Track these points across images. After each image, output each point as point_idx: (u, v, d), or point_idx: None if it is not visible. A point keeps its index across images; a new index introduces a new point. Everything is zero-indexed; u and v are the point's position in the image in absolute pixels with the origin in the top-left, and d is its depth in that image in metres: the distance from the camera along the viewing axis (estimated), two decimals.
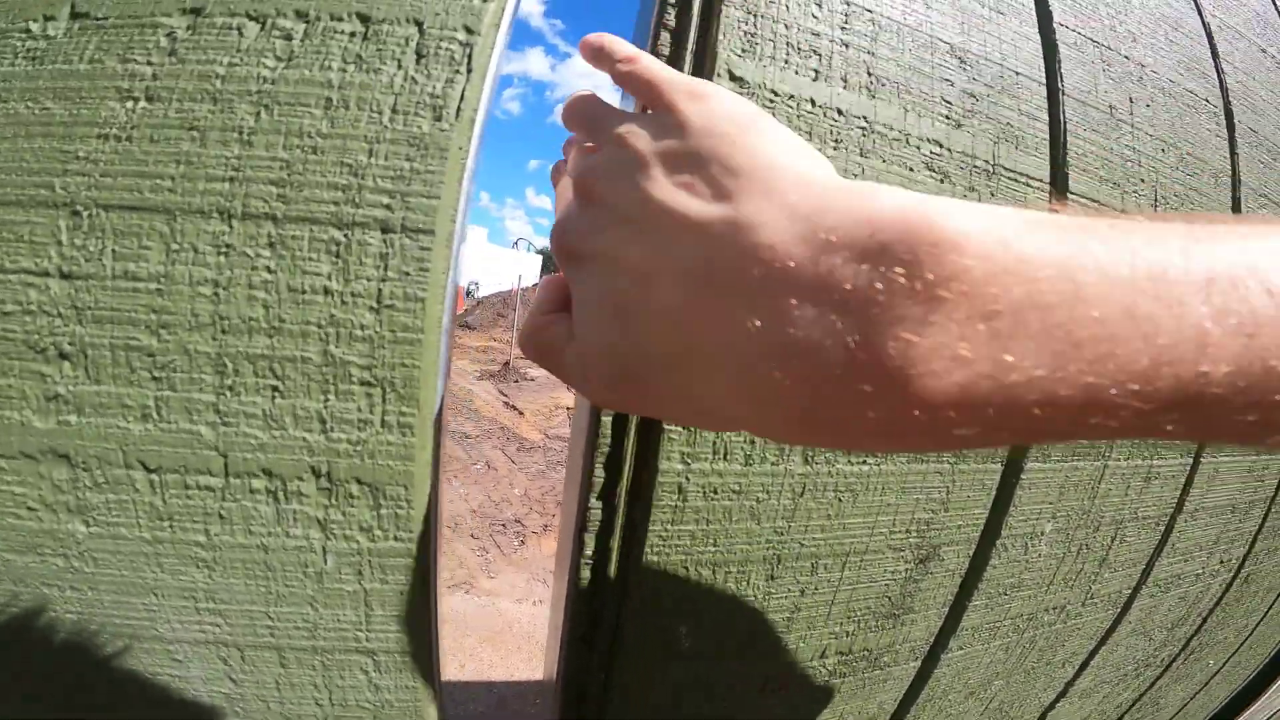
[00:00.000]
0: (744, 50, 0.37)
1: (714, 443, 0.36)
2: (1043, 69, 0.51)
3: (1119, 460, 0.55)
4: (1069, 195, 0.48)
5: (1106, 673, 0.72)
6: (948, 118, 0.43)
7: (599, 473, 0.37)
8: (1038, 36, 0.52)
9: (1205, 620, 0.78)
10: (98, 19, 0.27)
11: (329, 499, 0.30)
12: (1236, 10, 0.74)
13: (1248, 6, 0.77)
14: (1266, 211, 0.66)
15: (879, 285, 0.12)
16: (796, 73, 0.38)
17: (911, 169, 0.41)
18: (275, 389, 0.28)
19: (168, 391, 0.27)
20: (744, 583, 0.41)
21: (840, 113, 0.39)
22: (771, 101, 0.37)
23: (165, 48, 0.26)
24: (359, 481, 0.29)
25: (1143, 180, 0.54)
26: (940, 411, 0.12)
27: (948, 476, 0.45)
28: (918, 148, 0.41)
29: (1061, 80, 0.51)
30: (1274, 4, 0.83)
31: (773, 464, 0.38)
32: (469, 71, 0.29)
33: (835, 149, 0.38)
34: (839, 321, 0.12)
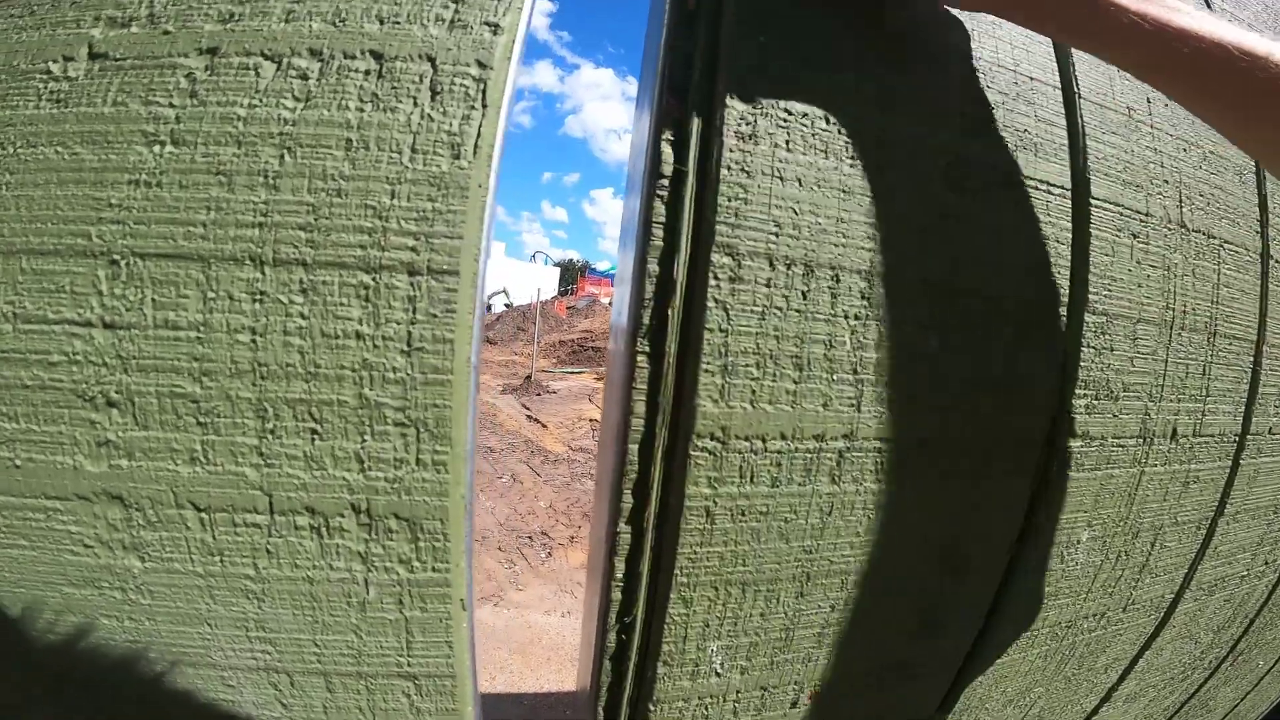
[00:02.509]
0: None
1: (739, 467, 0.35)
2: (1056, 72, 0.48)
3: (1155, 466, 0.52)
4: (1092, 201, 0.46)
5: (1152, 677, 0.68)
6: (962, 128, 0.41)
7: (627, 498, 0.36)
8: (1048, 39, 0.50)
9: (1252, 622, 0.74)
10: (116, 59, 0.27)
11: (369, 534, 0.29)
12: (1246, 3, 0.69)
13: None
14: None
15: None
16: None
17: (926, 179, 0.39)
18: (314, 431, 0.27)
19: (213, 436, 0.27)
20: (774, 600, 0.40)
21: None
22: (785, 121, 0.35)
23: (185, 89, 0.26)
24: (397, 517, 0.29)
25: (1166, 181, 0.50)
26: None
27: (974, 492, 0.43)
28: (934, 160, 0.39)
29: (1077, 83, 0.49)
30: None
31: (799, 485, 0.37)
32: (484, 107, 0.29)
33: (853, 165, 0.36)
34: None
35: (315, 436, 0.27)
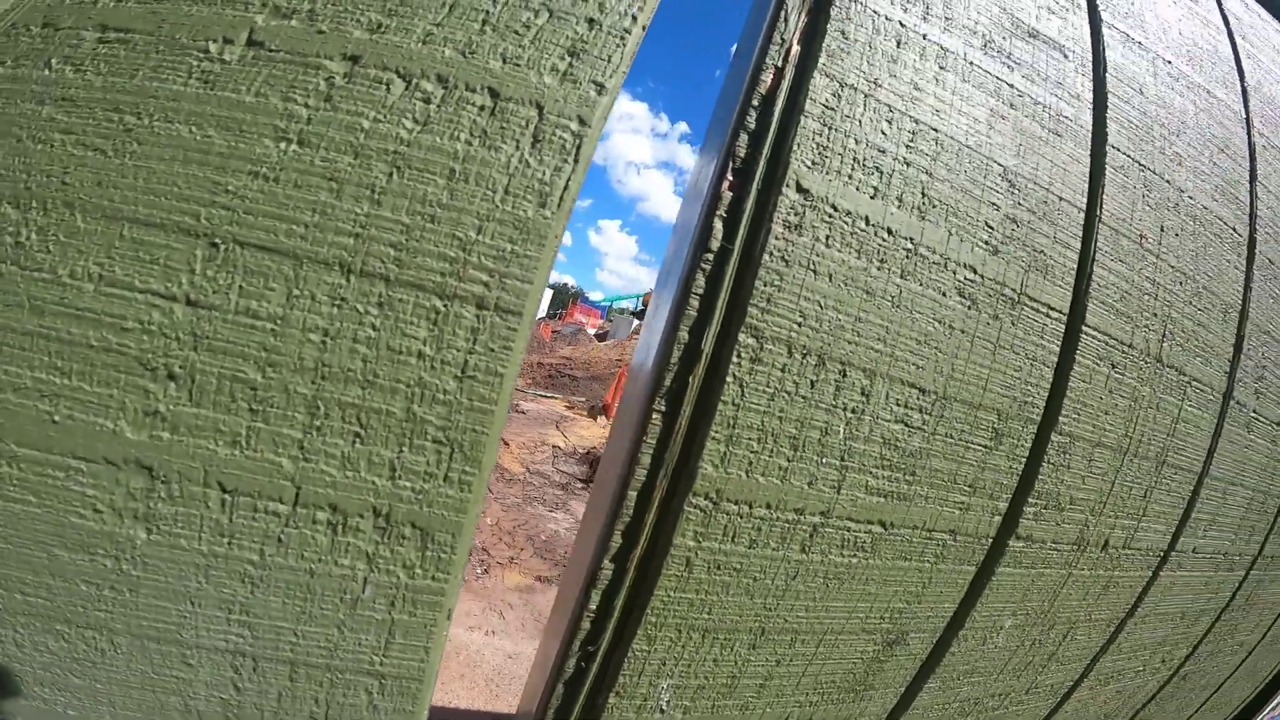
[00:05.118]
0: (814, 163, 0.47)
1: (724, 526, 0.46)
2: (1085, 194, 0.64)
3: (1083, 570, 0.69)
4: (1083, 328, 0.60)
5: None
6: (987, 243, 0.55)
7: (616, 538, 0.46)
8: (1088, 159, 0.65)
9: (1137, 714, 0.96)
10: (270, 50, 0.34)
11: (382, 537, 0.38)
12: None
13: None
14: (1263, 352, 0.80)
15: None
16: (858, 189, 0.48)
17: (944, 293, 0.51)
18: (357, 435, 0.36)
19: (260, 424, 0.35)
20: (728, 649, 0.52)
21: (890, 233, 0.49)
22: (830, 216, 0.47)
23: (323, 92, 0.34)
24: (413, 525, 0.38)
25: (1154, 314, 0.67)
26: None
27: (927, 573, 0.57)
28: (954, 272, 0.52)
29: (1101, 207, 0.64)
30: None
31: (773, 550, 0.49)
32: (576, 162, 0.38)
33: (880, 268, 0.48)
34: None
35: (357, 440, 0.36)
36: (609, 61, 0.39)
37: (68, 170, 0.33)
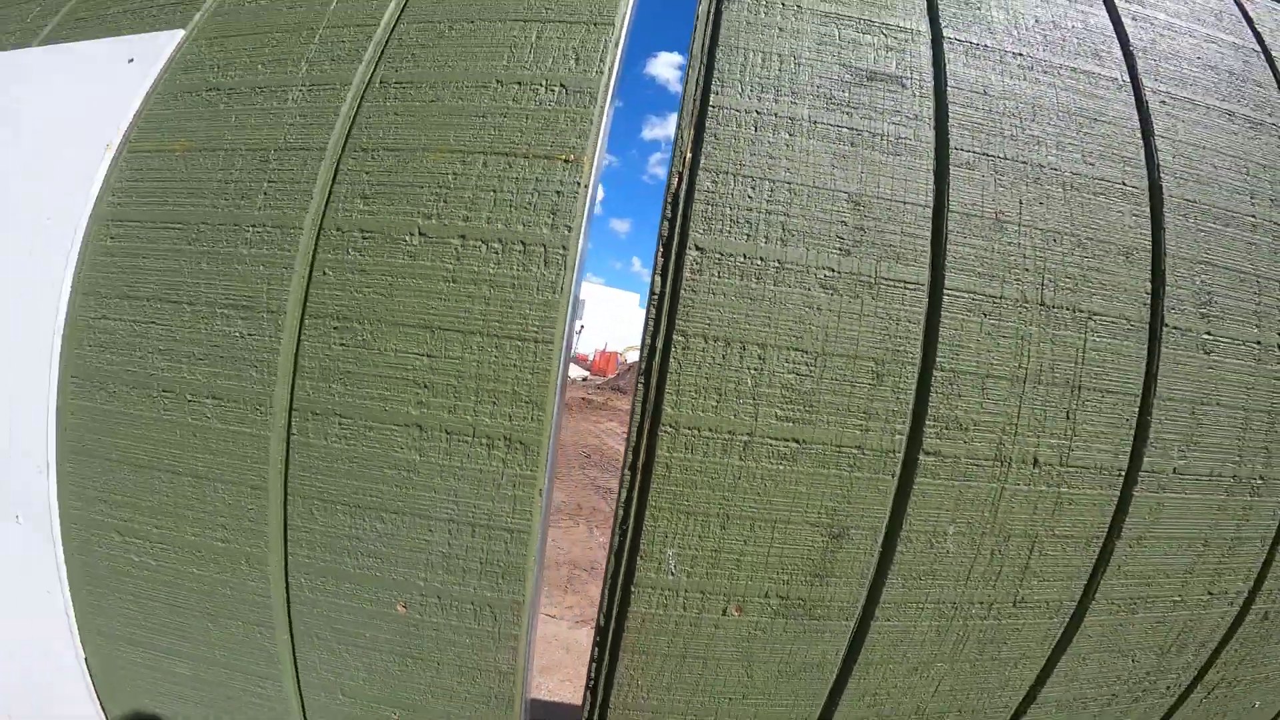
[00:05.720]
0: (704, 230, 1.02)
1: (684, 442, 1.01)
2: (931, 194, 1.07)
3: (1018, 485, 1.06)
4: (946, 291, 1.05)
5: (1084, 688, 1.17)
6: (840, 249, 1.04)
7: (629, 456, 1.03)
8: (930, 166, 1.09)
9: (1218, 653, 1.17)
10: (429, 236, 1.01)
11: (506, 450, 1.00)
12: (1197, 79, 1.20)
13: (1217, 69, 1.21)
14: (1202, 279, 1.11)
15: None
16: (733, 237, 1.02)
17: (809, 289, 1.02)
18: (494, 402, 0.99)
19: (459, 403, 0.99)
20: (706, 528, 1.03)
21: (761, 259, 1.02)
22: (719, 260, 1.02)
23: (457, 255, 1.00)
24: (520, 442, 0.99)
25: (1026, 270, 1.06)
26: None
27: (847, 479, 1.03)
28: (815, 274, 1.03)
29: (948, 199, 1.07)
30: (1270, 62, 1.24)
31: (718, 458, 1.01)
32: (566, 269, 0.99)
33: (756, 282, 1.02)
34: None
35: (494, 405, 0.99)
36: (571, 212, 0.97)
37: (374, 306, 1.02)
